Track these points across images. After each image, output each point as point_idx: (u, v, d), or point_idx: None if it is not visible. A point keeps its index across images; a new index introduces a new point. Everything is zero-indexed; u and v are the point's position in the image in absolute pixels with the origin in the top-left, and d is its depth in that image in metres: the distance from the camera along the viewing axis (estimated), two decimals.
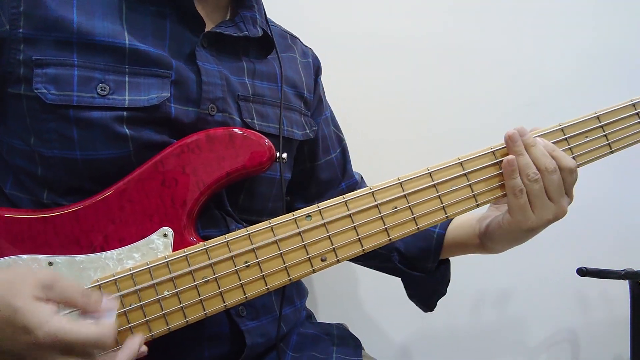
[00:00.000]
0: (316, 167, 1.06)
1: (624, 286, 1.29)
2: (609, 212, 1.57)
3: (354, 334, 1.03)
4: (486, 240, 0.91)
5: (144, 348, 0.69)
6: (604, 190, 1.53)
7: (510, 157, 0.79)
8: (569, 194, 0.82)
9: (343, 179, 1.11)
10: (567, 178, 0.81)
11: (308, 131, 1.00)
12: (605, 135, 0.83)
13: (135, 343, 0.67)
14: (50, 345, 0.58)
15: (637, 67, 1.58)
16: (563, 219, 1.49)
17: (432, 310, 1.06)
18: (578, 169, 0.82)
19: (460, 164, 0.79)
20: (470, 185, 0.79)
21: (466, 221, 0.97)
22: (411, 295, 1.07)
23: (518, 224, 0.82)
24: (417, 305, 1.07)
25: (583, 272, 1.24)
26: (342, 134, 1.14)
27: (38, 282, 0.61)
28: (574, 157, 0.82)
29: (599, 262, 1.25)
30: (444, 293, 1.04)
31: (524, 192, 0.79)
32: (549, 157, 0.80)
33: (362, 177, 1.17)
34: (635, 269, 1.23)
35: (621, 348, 1.42)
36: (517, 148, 0.79)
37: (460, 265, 1.49)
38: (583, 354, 1.57)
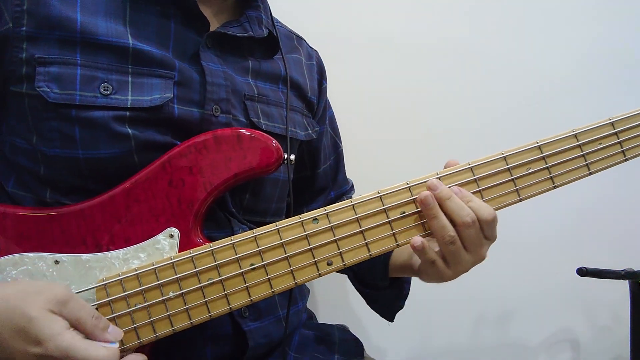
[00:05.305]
0: (316, 174, 1.06)
1: (624, 286, 1.29)
2: (609, 212, 1.57)
3: (355, 335, 1.02)
4: (418, 273, 0.86)
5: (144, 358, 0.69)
6: (604, 190, 1.53)
7: (417, 240, 0.74)
8: (490, 238, 0.77)
9: (333, 188, 1.10)
10: (487, 228, 0.75)
11: (310, 132, 0.99)
12: (619, 143, 0.80)
13: None
14: (59, 359, 0.59)
15: (638, 66, 1.57)
16: (564, 219, 1.51)
17: (391, 321, 1.02)
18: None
19: (471, 169, 0.77)
20: (480, 192, 0.78)
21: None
22: (371, 306, 1.04)
23: (435, 277, 0.80)
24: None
25: (583, 272, 1.24)
26: (340, 139, 1.13)
27: (54, 296, 0.62)
28: (587, 165, 0.79)
29: (599, 262, 1.25)
30: (400, 307, 1.00)
31: (439, 259, 0.76)
32: (466, 209, 0.74)
33: (352, 185, 1.16)
34: (635, 269, 1.23)
35: (621, 348, 1.43)
36: (430, 212, 0.74)
37: None
38: (583, 354, 1.58)
